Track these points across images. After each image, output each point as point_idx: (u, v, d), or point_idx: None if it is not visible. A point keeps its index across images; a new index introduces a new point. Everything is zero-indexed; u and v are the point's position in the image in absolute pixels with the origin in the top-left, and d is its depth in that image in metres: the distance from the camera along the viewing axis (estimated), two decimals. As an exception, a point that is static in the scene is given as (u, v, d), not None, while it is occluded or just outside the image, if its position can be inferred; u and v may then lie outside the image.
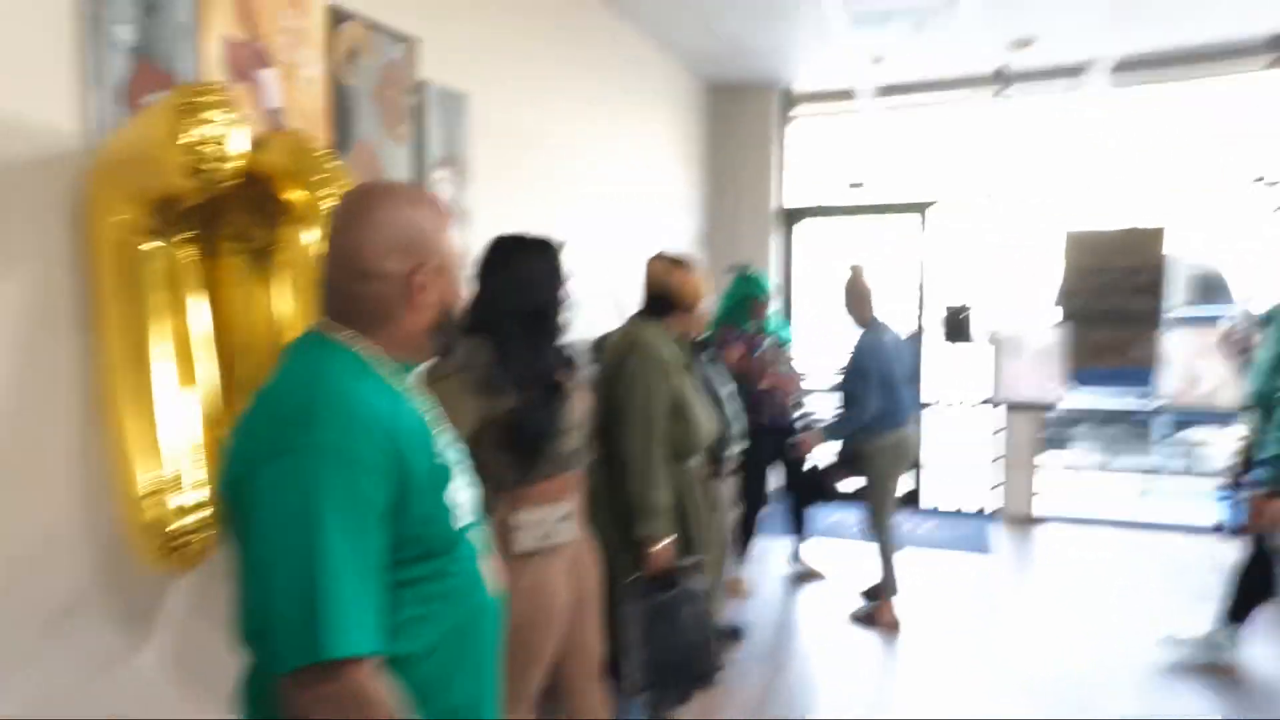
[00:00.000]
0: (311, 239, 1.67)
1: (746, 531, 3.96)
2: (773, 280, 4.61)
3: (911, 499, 5.25)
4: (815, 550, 4.25)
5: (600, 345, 2.47)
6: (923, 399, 5.22)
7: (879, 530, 3.56)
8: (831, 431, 3.60)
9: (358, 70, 2.15)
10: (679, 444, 2.36)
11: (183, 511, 1.45)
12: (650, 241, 4.11)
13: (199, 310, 1.60)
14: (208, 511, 1.49)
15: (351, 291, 1.13)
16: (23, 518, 1.44)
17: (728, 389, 3.03)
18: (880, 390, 3.44)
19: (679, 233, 4.76)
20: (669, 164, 4.63)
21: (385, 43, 2.24)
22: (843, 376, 3.58)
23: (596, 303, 3.01)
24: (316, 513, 0.96)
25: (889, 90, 5.18)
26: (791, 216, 5.55)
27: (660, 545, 2.26)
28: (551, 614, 1.91)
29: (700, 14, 3.89)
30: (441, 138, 2.50)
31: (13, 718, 1.44)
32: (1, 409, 1.40)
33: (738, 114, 5.28)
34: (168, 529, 1.44)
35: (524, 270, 1.92)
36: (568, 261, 2.00)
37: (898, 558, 3.59)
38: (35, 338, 1.45)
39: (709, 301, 2.63)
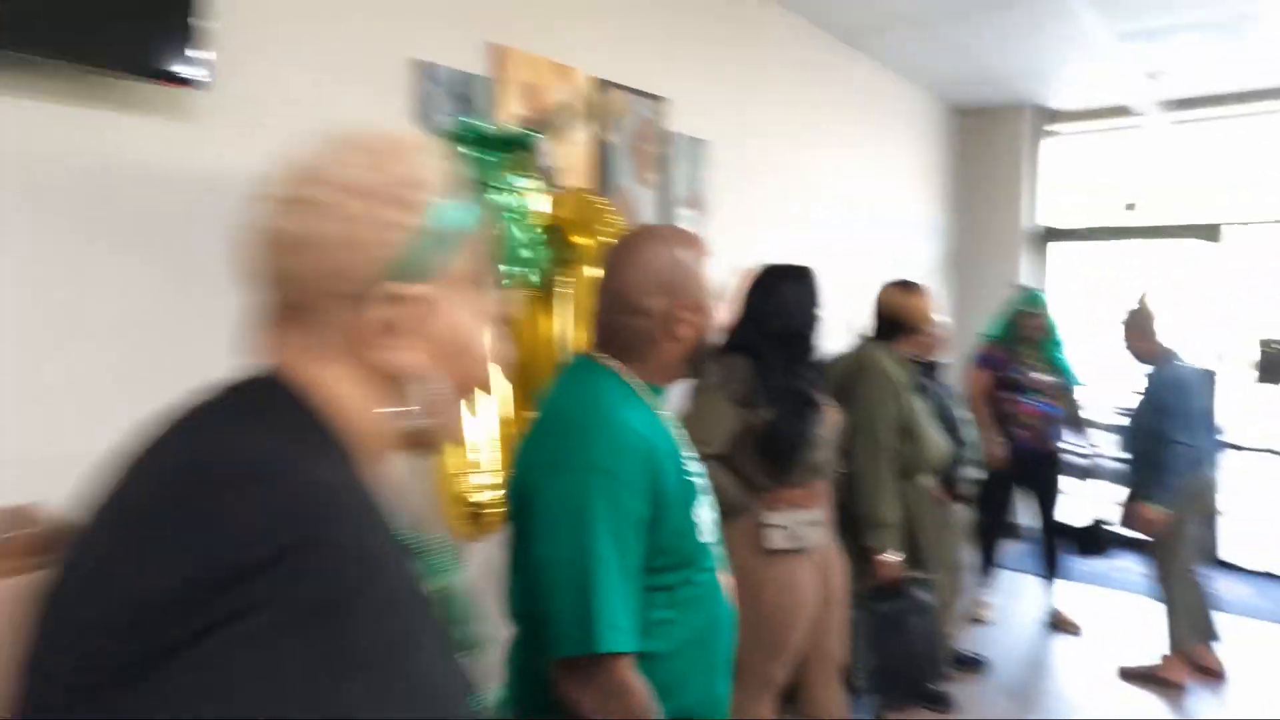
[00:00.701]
0: (593, 275, 2.02)
1: (987, 557, 3.84)
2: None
3: (1207, 552, 4.68)
4: (1076, 596, 3.98)
5: (829, 367, 2.62)
6: (1222, 441, 4.65)
7: (1168, 581, 3.22)
8: (1158, 492, 3.13)
9: (616, 129, 2.52)
10: (908, 462, 2.44)
11: (481, 489, 1.84)
12: (888, 265, 4.16)
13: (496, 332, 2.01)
14: (499, 492, 1.87)
15: (619, 324, 1.27)
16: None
17: (962, 412, 3.03)
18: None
19: (919, 256, 4.74)
20: (908, 188, 4.65)
21: (639, 104, 2.61)
22: (1137, 414, 3.28)
23: (832, 327, 3.15)
24: (590, 523, 1.09)
25: (1177, 104, 4.76)
26: (1046, 238, 5.27)
27: (887, 557, 2.35)
28: (798, 610, 2.06)
29: (952, 43, 3.91)
30: (685, 180, 2.82)
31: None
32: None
33: (985, 135, 5.16)
34: (470, 501, 1.83)
35: (784, 297, 2.11)
36: (823, 288, 2.19)
37: (1192, 612, 3.23)
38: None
39: (940, 325, 2.69)
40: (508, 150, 1.23)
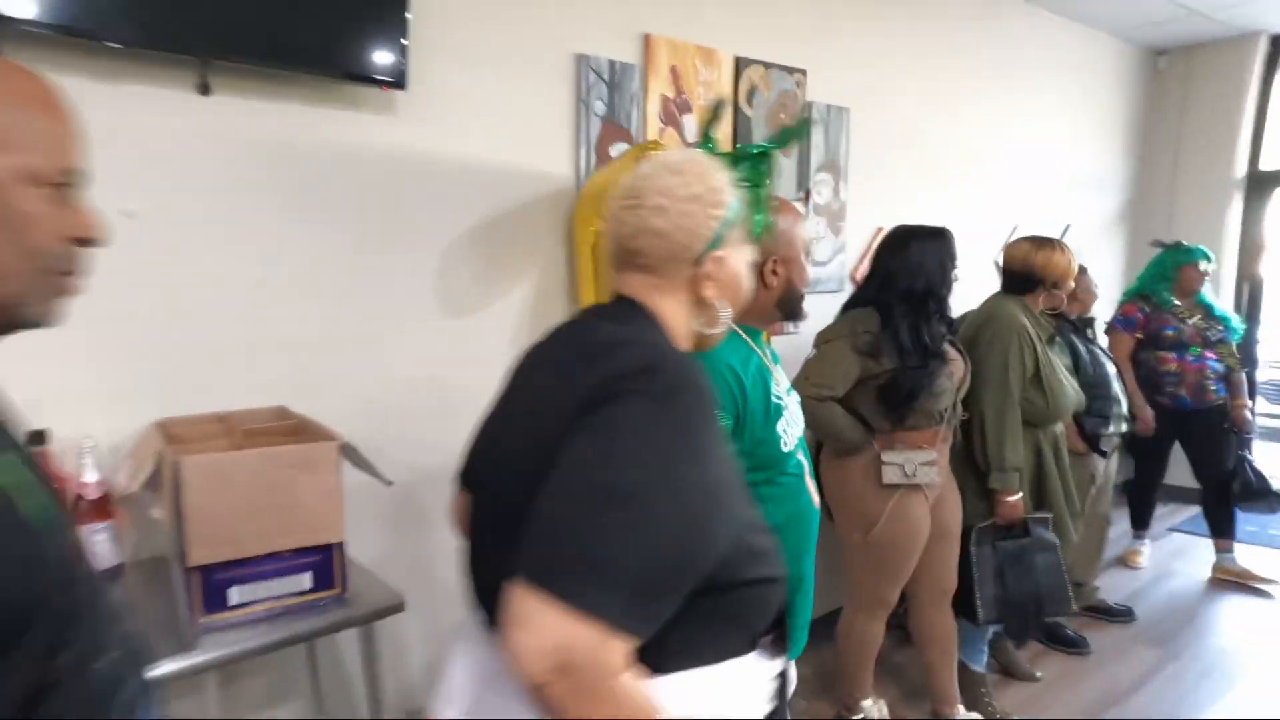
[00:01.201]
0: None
1: (1140, 513, 3.83)
2: (1223, 257, 4.15)
3: None
4: (1256, 557, 3.82)
5: (961, 320, 2.73)
6: None
7: None
8: None
9: (755, 103, 2.75)
10: (1035, 411, 2.54)
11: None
12: (1053, 222, 4.09)
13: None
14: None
15: None
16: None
17: (1109, 368, 3.02)
18: None
19: (1092, 209, 4.56)
20: (1082, 140, 4.46)
21: (779, 77, 2.82)
22: None
23: (981, 284, 3.22)
24: None
25: None
26: (1265, 183, 4.76)
27: (1011, 498, 2.48)
28: (911, 540, 2.30)
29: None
30: (822, 146, 3.00)
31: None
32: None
33: (1190, 73, 4.78)
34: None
35: (916, 256, 2.28)
36: (958, 249, 2.33)
37: None
38: (543, 302, 2.33)
39: (1079, 280, 2.73)
40: (756, 159, 1.86)
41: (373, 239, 2.03)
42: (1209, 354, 3.51)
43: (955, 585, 2.46)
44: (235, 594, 1.39)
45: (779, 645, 1.07)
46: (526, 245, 2.29)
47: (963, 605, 2.49)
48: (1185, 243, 3.66)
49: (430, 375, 2.15)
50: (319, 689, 2.01)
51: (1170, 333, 3.52)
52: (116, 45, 1.59)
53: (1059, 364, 2.66)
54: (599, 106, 2.36)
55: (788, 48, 2.85)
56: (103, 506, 1.57)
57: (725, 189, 1.04)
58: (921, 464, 2.26)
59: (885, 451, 2.25)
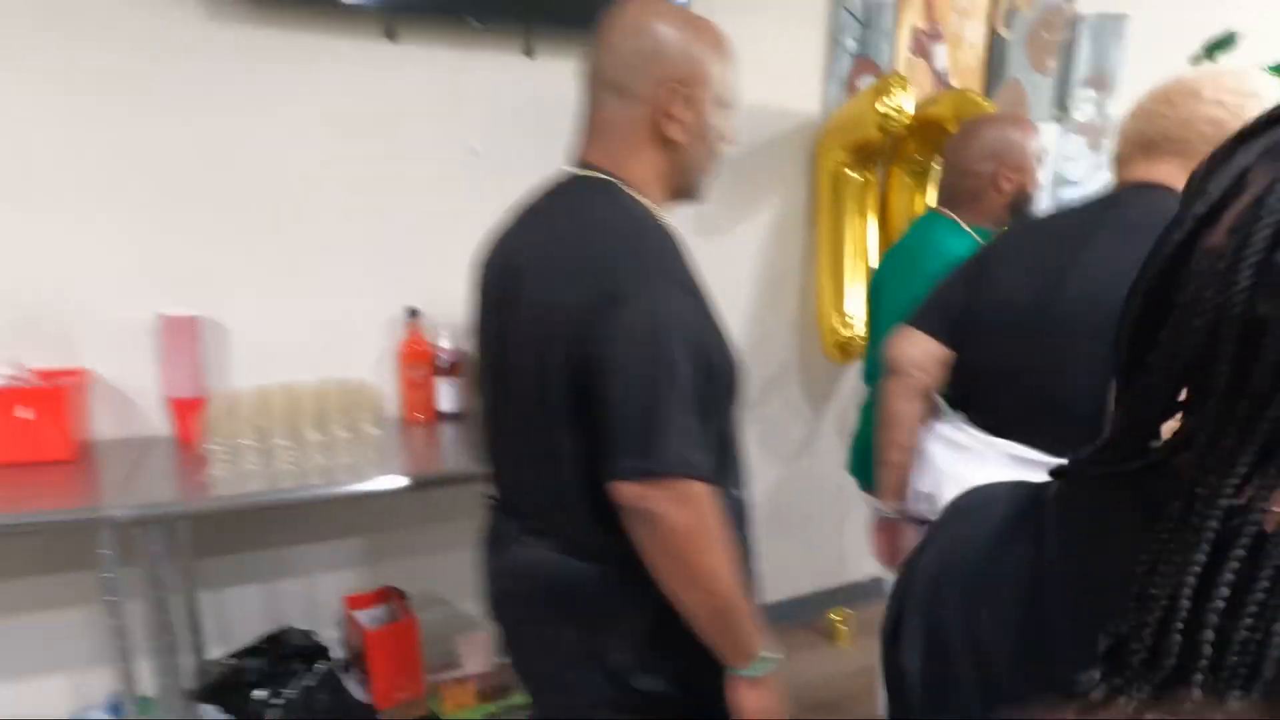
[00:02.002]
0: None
1: None
2: None
3: None
4: None
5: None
6: None
7: None
8: None
9: (1013, 25, 2.77)
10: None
11: (847, 327, 2.53)
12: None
13: (873, 215, 2.61)
14: (859, 330, 2.54)
15: (955, 184, 1.85)
16: (771, 327, 2.72)
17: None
18: None
19: None
20: None
21: (1044, -6, 2.79)
22: None
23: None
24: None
25: None
26: None
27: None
28: None
29: None
30: (1089, 61, 2.93)
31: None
32: (768, 270, 2.68)
33: None
34: (839, 337, 2.54)
35: None
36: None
37: None
38: (783, 229, 2.67)
39: None
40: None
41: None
42: None
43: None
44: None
45: None
46: (771, 174, 2.63)
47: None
48: None
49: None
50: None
51: None
52: (476, 23, 2.05)
53: None
54: (850, 44, 2.57)
55: (1058, -39, 2.80)
56: (454, 367, 2.13)
57: (1266, 93, 1.17)
58: None
59: None
